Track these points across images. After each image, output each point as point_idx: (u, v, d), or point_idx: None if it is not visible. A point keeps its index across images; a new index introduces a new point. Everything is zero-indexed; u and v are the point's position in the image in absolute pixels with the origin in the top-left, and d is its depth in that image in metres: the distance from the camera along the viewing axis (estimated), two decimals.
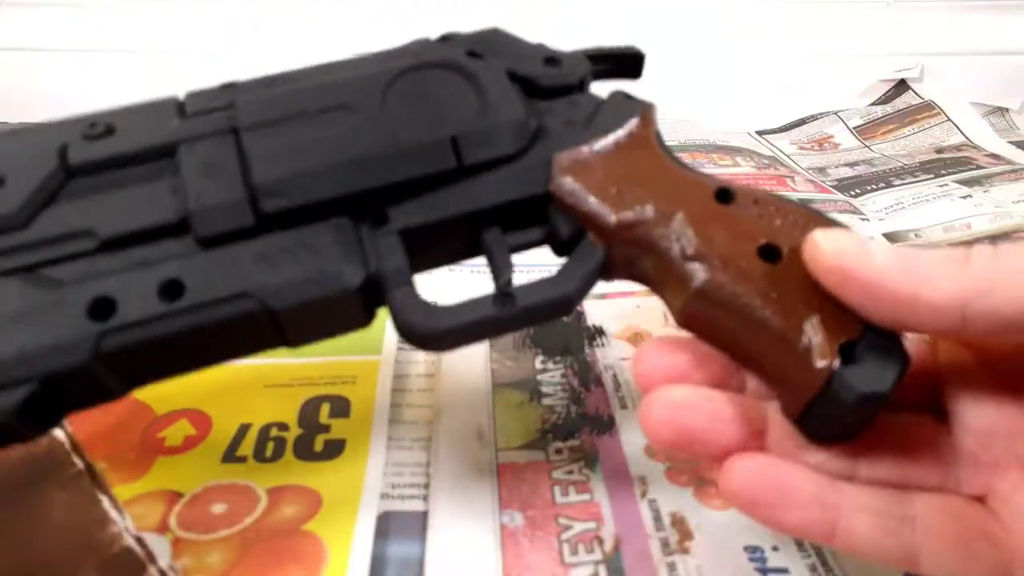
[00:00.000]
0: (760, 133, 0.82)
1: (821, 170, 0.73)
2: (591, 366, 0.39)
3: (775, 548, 0.29)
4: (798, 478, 0.22)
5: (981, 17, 0.83)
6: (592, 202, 0.26)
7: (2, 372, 0.22)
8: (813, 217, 0.25)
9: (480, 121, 0.26)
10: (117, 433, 0.34)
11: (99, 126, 0.26)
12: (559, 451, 0.33)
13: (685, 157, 0.70)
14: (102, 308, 0.23)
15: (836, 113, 0.83)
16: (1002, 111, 0.81)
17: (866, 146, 0.78)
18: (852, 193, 0.65)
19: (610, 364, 0.39)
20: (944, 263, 0.19)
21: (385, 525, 0.29)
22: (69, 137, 0.25)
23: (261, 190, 0.24)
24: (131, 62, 0.79)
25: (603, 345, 0.41)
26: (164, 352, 0.24)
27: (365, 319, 0.26)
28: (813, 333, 0.22)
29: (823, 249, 0.21)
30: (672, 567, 0.28)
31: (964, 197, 0.62)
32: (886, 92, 0.85)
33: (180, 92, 0.27)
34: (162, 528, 0.29)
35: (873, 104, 0.85)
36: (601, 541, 0.29)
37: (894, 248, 0.20)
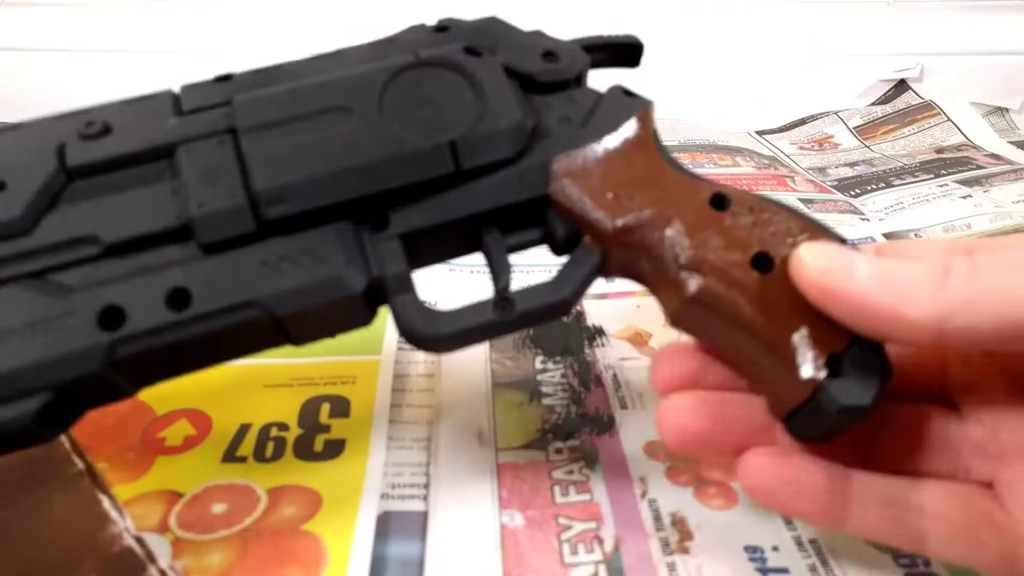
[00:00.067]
0: (760, 133, 0.82)
1: (821, 170, 0.73)
2: (591, 366, 0.39)
3: (775, 548, 0.29)
4: (809, 469, 0.23)
5: (981, 17, 0.83)
6: (589, 207, 0.26)
7: (20, 382, 0.22)
8: (807, 226, 0.25)
9: (478, 125, 0.26)
10: (117, 433, 0.34)
11: (96, 124, 0.25)
12: (559, 451, 0.33)
13: (685, 157, 0.70)
14: (112, 318, 0.23)
15: (836, 113, 0.83)
16: (1002, 111, 0.81)
17: (866, 146, 0.78)
18: (852, 193, 0.65)
19: (610, 364, 0.39)
20: (923, 279, 0.20)
21: (385, 525, 0.29)
22: (65, 136, 0.25)
23: (262, 197, 0.24)
24: (130, 62, 0.79)
25: (603, 345, 0.41)
26: (173, 357, 0.24)
27: (368, 318, 0.26)
28: (801, 344, 0.23)
29: (808, 266, 0.22)
30: (672, 567, 0.28)
31: (964, 197, 0.62)
32: (886, 92, 0.85)
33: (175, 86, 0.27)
34: (162, 528, 0.29)
35: (873, 104, 0.85)
36: (601, 541, 0.29)
37: (877, 264, 0.21)
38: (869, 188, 0.67)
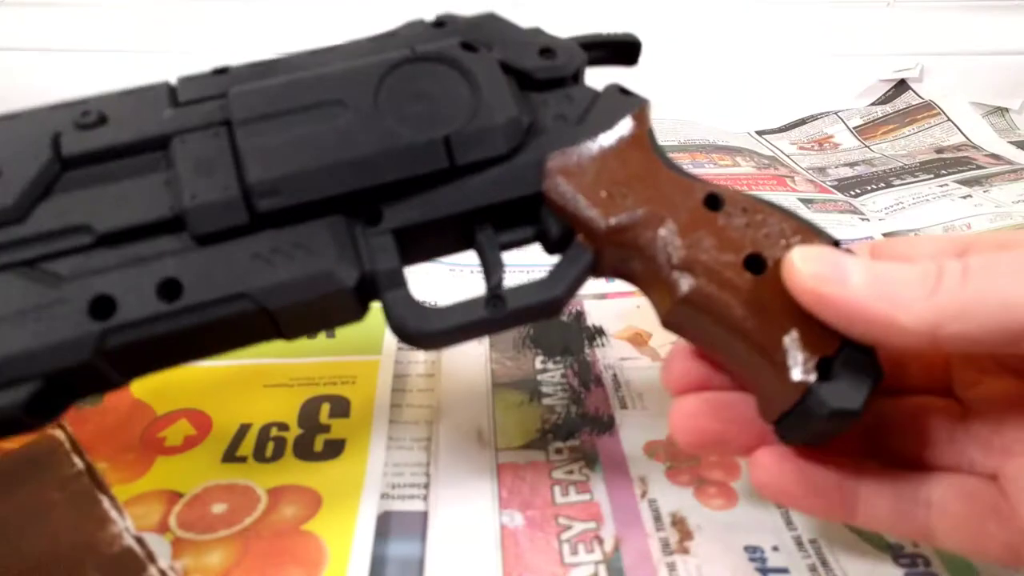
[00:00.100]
0: (760, 133, 0.82)
1: (821, 170, 0.73)
2: (591, 366, 0.39)
3: (775, 548, 0.29)
4: (818, 466, 0.24)
5: (981, 17, 0.83)
6: (582, 206, 0.26)
7: (9, 370, 0.23)
8: (800, 227, 0.25)
9: (473, 120, 0.26)
10: (117, 433, 0.34)
11: (91, 114, 0.25)
12: (559, 451, 0.33)
13: (685, 157, 0.70)
14: (103, 307, 0.23)
15: (836, 113, 0.83)
16: (1002, 111, 0.81)
17: (866, 146, 0.78)
18: (852, 193, 0.65)
19: (610, 364, 0.39)
20: (916, 285, 0.20)
21: (385, 525, 0.29)
22: (61, 125, 0.25)
23: (255, 190, 0.24)
24: (130, 62, 0.79)
25: (603, 345, 0.41)
26: (164, 348, 0.24)
27: (360, 313, 0.26)
28: (792, 347, 0.23)
29: (800, 272, 0.22)
30: (672, 567, 0.28)
31: (964, 197, 0.62)
32: (886, 92, 0.85)
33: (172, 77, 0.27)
34: (162, 528, 0.29)
35: (873, 104, 0.85)
36: (601, 541, 0.29)
37: (870, 268, 0.21)
38: (869, 188, 0.67)
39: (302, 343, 0.40)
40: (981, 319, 0.19)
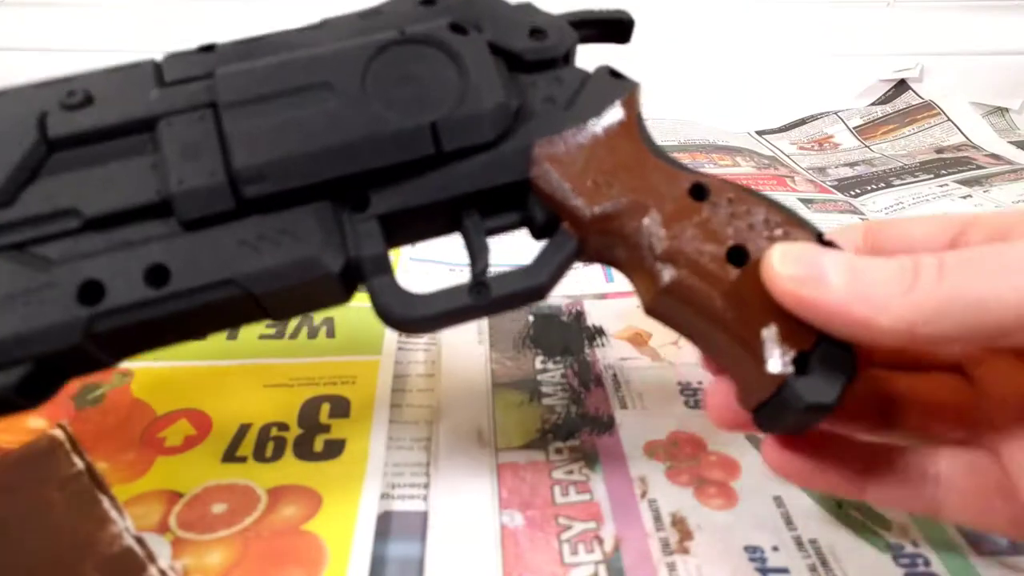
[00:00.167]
0: (760, 133, 0.82)
1: (821, 170, 0.73)
2: (591, 366, 0.39)
3: (775, 548, 0.29)
4: (828, 445, 0.25)
5: (981, 17, 0.83)
6: (568, 194, 0.26)
7: (0, 354, 0.23)
8: (784, 219, 0.25)
9: (460, 106, 0.26)
10: (117, 433, 0.34)
11: (77, 94, 0.25)
12: (559, 451, 0.33)
13: (685, 157, 0.70)
14: (91, 292, 0.24)
15: (836, 113, 0.83)
16: (1002, 111, 0.81)
17: (866, 146, 0.78)
18: (852, 193, 0.66)
19: (610, 364, 0.39)
20: (893, 283, 0.20)
21: (385, 525, 0.29)
22: (46, 104, 0.25)
23: (242, 176, 0.24)
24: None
25: (603, 345, 0.41)
26: (152, 331, 0.25)
27: (345, 297, 0.27)
28: (770, 341, 0.23)
29: (778, 274, 0.22)
30: (672, 567, 0.28)
31: (964, 197, 0.62)
32: (886, 92, 0.85)
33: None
34: (162, 528, 0.29)
35: (873, 104, 0.85)
36: (601, 541, 0.29)
37: (848, 268, 0.21)
38: (869, 188, 0.67)
39: (302, 343, 0.40)
40: (956, 319, 0.19)
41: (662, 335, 0.41)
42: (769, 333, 0.23)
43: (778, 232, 0.24)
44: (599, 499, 0.31)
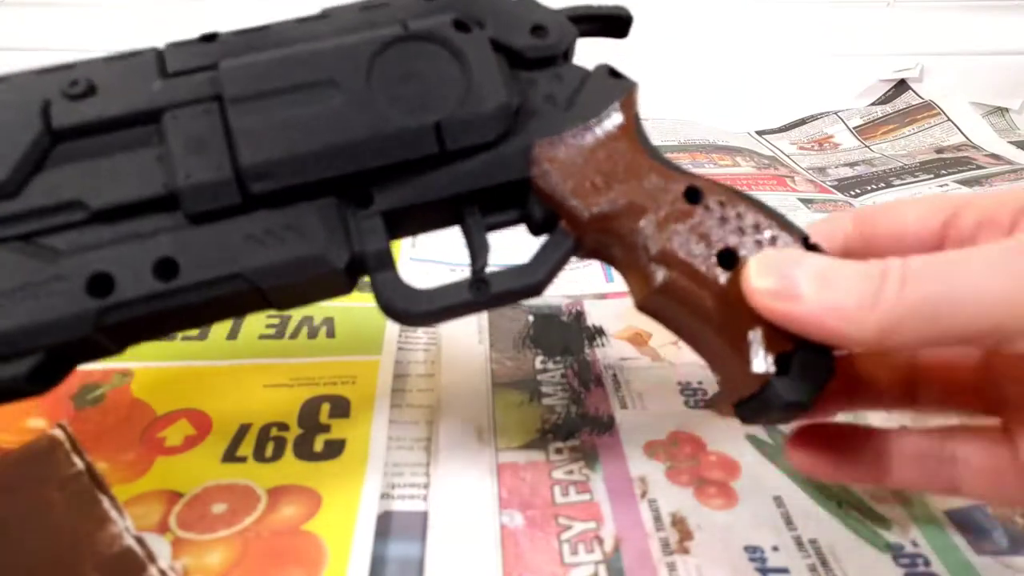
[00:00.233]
0: (760, 133, 0.82)
1: (821, 170, 0.73)
2: (591, 366, 0.39)
3: (775, 548, 0.29)
4: (850, 439, 0.26)
5: (981, 17, 0.83)
6: (567, 194, 0.27)
7: (12, 344, 0.24)
8: (773, 223, 0.26)
9: (464, 106, 0.26)
10: (117, 433, 0.34)
11: (80, 84, 0.25)
12: (559, 451, 0.33)
13: (685, 157, 0.70)
14: (101, 285, 0.24)
15: (836, 113, 0.83)
16: (1002, 111, 0.81)
17: (866, 146, 0.78)
18: (852, 193, 0.66)
19: (610, 364, 0.39)
20: (859, 294, 0.20)
21: (385, 525, 0.29)
22: (49, 92, 0.25)
23: (248, 173, 0.25)
24: None
25: (603, 345, 0.41)
26: (160, 321, 0.25)
27: (348, 288, 0.27)
28: (755, 342, 0.24)
29: (754, 288, 0.23)
30: (672, 567, 0.28)
31: None
32: (886, 92, 0.85)
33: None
34: (162, 528, 0.29)
35: (873, 104, 0.85)
36: (601, 541, 0.29)
37: (819, 277, 0.21)
38: (869, 188, 0.67)
39: (302, 343, 0.40)
40: (919, 330, 0.20)
41: (662, 335, 0.41)
42: (755, 335, 0.24)
43: (766, 235, 0.25)
44: (599, 499, 0.31)
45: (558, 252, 0.27)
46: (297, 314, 0.42)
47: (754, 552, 0.28)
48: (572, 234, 0.27)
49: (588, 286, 0.47)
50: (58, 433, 0.30)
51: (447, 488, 0.31)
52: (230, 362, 0.38)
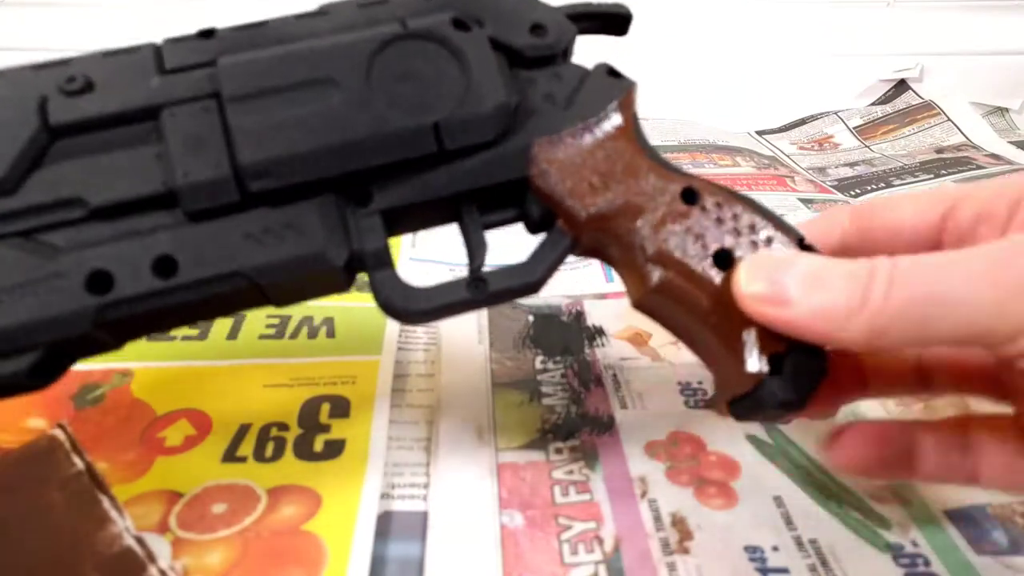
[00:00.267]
0: (760, 133, 0.82)
1: (821, 170, 0.73)
2: (591, 366, 0.39)
3: (775, 548, 0.29)
4: (886, 439, 0.26)
5: (981, 17, 0.83)
6: (564, 194, 0.27)
7: (13, 341, 0.24)
8: (768, 223, 0.26)
9: (463, 106, 0.26)
10: (117, 433, 0.34)
11: (77, 80, 0.25)
12: (559, 451, 0.33)
13: (685, 157, 0.70)
14: (100, 282, 0.24)
15: (836, 113, 0.83)
16: (1002, 111, 0.81)
17: (866, 146, 0.78)
18: (852, 193, 0.65)
19: (610, 364, 0.39)
20: (848, 297, 0.21)
21: (385, 525, 0.29)
22: (46, 88, 0.25)
23: (247, 171, 0.25)
24: None
25: (603, 345, 0.41)
26: (159, 318, 0.26)
27: (347, 285, 0.27)
28: (750, 342, 0.24)
29: (743, 294, 0.23)
30: (672, 567, 0.28)
31: None
32: (886, 92, 0.85)
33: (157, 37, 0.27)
34: (162, 528, 0.29)
35: (873, 104, 0.85)
36: (601, 541, 0.29)
37: (807, 281, 0.22)
38: (869, 188, 0.67)
39: (302, 343, 0.40)
40: (906, 331, 0.20)
41: (662, 335, 0.41)
42: (748, 336, 0.24)
43: (762, 235, 0.26)
44: (599, 499, 0.31)
45: (555, 251, 0.27)
46: (297, 314, 0.42)
47: (754, 552, 0.28)
48: (569, 233, 0.27)
49: (588, 286, 0.47)
50: (58, 433, 0.30)
51: (447, 488, 0.31)
52: (230, 362, 0.38)
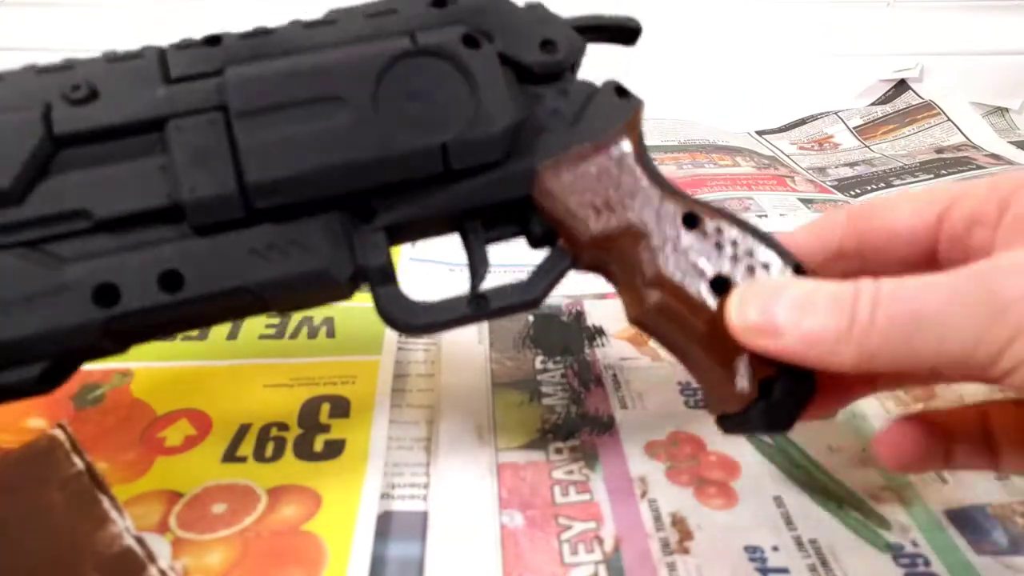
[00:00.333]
0: (760, 133, 0.82)
1: (821, 170, 0.73)
2: (591, 366, 0.39)
3: (775, 548, 0.28)
4: (927, 434, 0.26)
5: (981, 17, 0.83)
6: (567, 214, 0.27)
7: (23, 351, 0.24)
8: (766, 249, 0.26)
9: (471, 128, 0.26)
10: (117, 433, 0.34)
11: (81, 88, 0.25)
12: (559, 451, 0.33)
13: (685, 157, 0.70)
14: (107, 295, 0.25)
15: (836, 113, 0.83)
16: (1002, 111, 0.81)
17: (866, 146, 0.78)
18: (852, 193, 0.65)
19: (610, 364, 0.39)
20: (836, 323, 0.21)
21: (385, 525, 0.29)
22: (49, 95, 0.25)
23: (253, 189, 0.25)
24: None
25: (603, 345, 0.41)
26: (163, 327, 0.26)
27: (349, 295, 0.28)
28: (742, 366, 0.25)
29: (735, 325, 0.23)
30: (672, 567, 0.28)
31: None
32: (886, 92, 0.85)
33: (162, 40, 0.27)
34: (162, 528, 0.29)
35: (873, 104, 0.85)
36: (601, 541, 0.29)
37: (796, 309, 0.22)
38: (869, 188, 0.67)
39: (302, 343, 0.40)
40: (894, 354, 0.20)
41: None
42: (741, 359, 0.25)
43: (759, 260, 0.26)
44: (599, 499, 0.31)
45: (556, 270, 0.28)
46: (297, 314, 0.42)
47: (754, 552, 0.28)
48: (570, 252, 0.28)
49: (588, 286, 0.47)
50: (58, 433, 0.30)
51: (447, 488, 0.31)
52: (230, 362, 0.38)
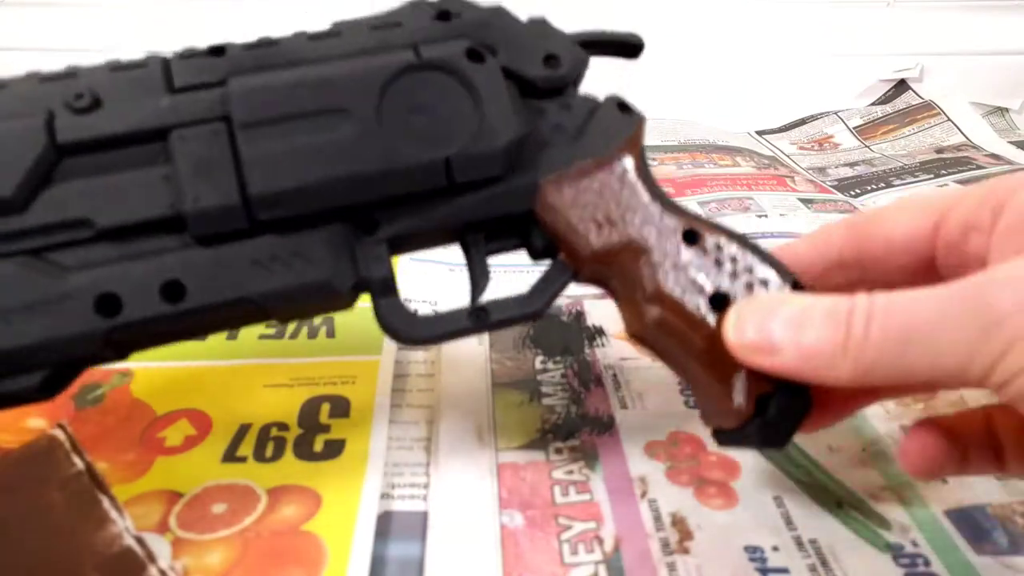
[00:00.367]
0: (760, 133, 0.82)
1: (821, 170, 0.73)
2: (591, 366, 0.39)
3: (775, 548, 0.28)
4: (947, 441, 0.26)
5: (981, 17, 0.83)
6: (569, 230, 0.27)
7: (24, 360, 0.24)
8: (765, 266, 0.26)
9: (474, 143, 0.26)
10: (117, 433, 0.34)
11: (85, 97, 0.25)
12: (559, 451, 0.33)
13: (685, 157, 0.70)
14: (108, 305, 0.24)
15: (836, 113, 0.83)
16: (1002, 111, 0.81)
17: (866, 146, 0.78)
18: (852, 193, 0.66)
19: (610, 364, 0.39)
20: (832, 339, 0.21)
21: (385, 525, 0.29)
22: (52, 103, 0.25)
23: (256, 201, 0.25)
24: None
25: (603, 345, 0.41)
26: (164, 337, 0.26)
27: (350, 304, 0.28)
28: (739, 383, 0.25)
29: (732, 343, 0.24)
30: (672, 567, 0.28)
31: None
32: (886, 92, 0.85)
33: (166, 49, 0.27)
34: (162, 528, 0.29)
35: (873, 104, 0.85)
36: (601, 541, 0.29)
37: (793, 326, 0.22)
38: (869, 188, 0.67)
39: (302, 343, 0.40)
40: (890, 367, 0.20)
41: None
42: (739, 376, 0.25)
43: (758, 276, 0.26)
44: (599, 499, 0.31)
45: (556, 283, 0.28)
46: None
47: (754, 552, 0.28)
48: (571, 266, 0.28)
49: (588, 287, 0.47)
50: (58, 433, 0.30)
51: (447, 488, 0.31)
52: (230, 362, 0.38)
